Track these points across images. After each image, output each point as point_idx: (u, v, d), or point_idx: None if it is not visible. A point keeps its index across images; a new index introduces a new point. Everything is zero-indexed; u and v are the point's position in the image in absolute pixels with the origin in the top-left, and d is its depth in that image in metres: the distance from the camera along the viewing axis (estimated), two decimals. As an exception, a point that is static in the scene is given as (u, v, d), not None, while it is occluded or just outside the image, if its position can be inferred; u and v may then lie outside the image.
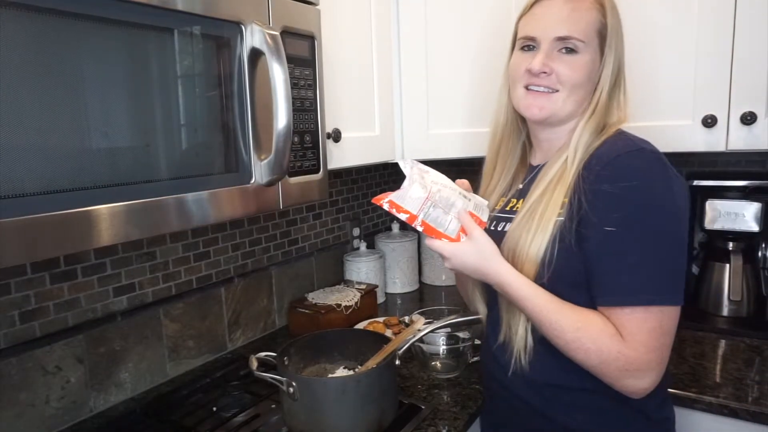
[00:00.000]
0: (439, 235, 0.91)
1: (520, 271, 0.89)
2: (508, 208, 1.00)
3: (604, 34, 0.91)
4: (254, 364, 1.02)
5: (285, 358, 1.07)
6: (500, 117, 1.05)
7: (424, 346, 1.26)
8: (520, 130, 1.04)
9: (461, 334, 1.32)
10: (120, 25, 0.73)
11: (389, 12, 1.41)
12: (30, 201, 0.64)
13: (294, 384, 0.95)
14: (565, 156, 0.91)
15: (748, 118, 1.25)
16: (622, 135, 0.90)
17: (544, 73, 0.91)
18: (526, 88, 0.94)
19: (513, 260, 0.90)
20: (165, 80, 0.79)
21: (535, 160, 1.03)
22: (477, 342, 1.31)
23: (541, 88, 0.92)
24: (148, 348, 1.26)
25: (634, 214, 0.81)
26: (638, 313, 0.81)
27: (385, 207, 0.89)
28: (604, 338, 0.82)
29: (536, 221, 0.89)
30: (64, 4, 0.67)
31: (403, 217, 0.89)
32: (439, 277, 1.97)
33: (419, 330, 1.14)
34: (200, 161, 0.86)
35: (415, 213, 0.89)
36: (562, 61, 0.91)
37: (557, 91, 0.91)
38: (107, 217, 0.73)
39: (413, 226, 0.90)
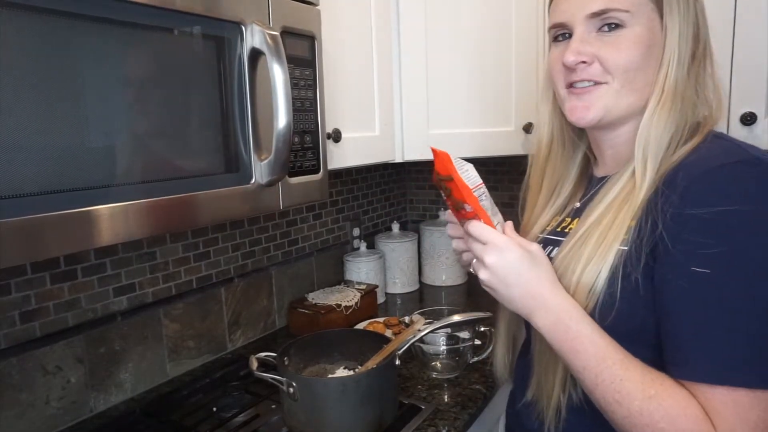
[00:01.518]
0: (487, 221, 0.73)
1: None
2: (559, 229, 0.81)
3: None
4: (254, 365, 1.02)
5: (285, 359, 1.07)
6: (544, 128, 0.85)
7: (424, 346, 1.26)
8: (577, 140, 0.84)
9: (461, 334, 1.32)
10: (120, 25, 0.73)
11: (389, 12, 1.41)
12: (30, 201, 0.64)
13: (294, 384, 0.95)
14: (633, 166, 0.70)
15: (748, 119, 1.25)
16: (720, 139, 0.67)
17: (583, 62, 0.71)
18: (569, 87, 0.74)
19: None
20: (165, 80, 0.79)
21: (600, 172, 0.81)
22: (477, 342, 1.31)
23: (585, 84, 0.72)
24: (148, 348, 1.26)
25: (741, 252, 0.58)
26: (741, 397, 0.57)
27: (438, 156, 0.74)
28: (687, 421, 0.58)
29: (591, 248, 0.68)
30: (64, 4, 0.67)
31: (447, 179, 0.73)
32: (439, 278, 1.97)
33: (419, 330, 1.14)
34: (200, 161, 0.86)
35: (469, 186, 0.73)
36: (605, 43, 0.70)
37: (606, 83, 0.71)
38: (107, 217, 0.73)
39: (458, 199, 0.73)
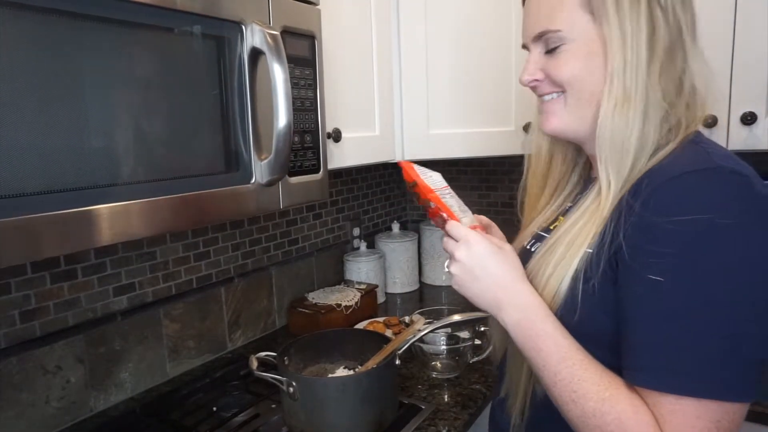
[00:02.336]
0: (451, 215, 0.78)
1: None
2: (550, 227, 0.82)
3: (595, 3, 0.67)
4: (254, 364, 1.02)
5: (285, 358, 1.07)
6: (542, 139, 0.85)
7: (424, 346, 1.26)
8: (577, 147, 0.83)
9: (461, 334, 1.32)
10: (120, 25, 0.73)
11: (389, 11, 1.41)
12: (30, 201, 0.64)
13: (294, 384, 0.95)
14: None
15: (748, 118, 1.25)
16: (695, 144, 0.66)
17: (537, 80, 0.74)
18: (540, 97, 0.77)
19: None
20: (165, 80, 0.79)
21: (594, 173, 0.80)
22: (477, 342, 1.31)
23: (547, 96, 0.75)
24: (148, 348, 1.26)
25: (694, 262, 0.57)
26: (687, 406, 0.57)
27: (402, 166, 0.80)
28: (637, 426, 0.59)
29: (561, 252, 0.69)
30: (64, 4, 0.67)
31: (413, 185, 0.79)
32: (439, 277, 1.97)
33: (419, 330, 1.14)
34: (200, 161, 0.86)
35: (431, 187, 0.78)
36: (549, 61, 0.72)
37: (565, 91, 0.72)
38: (107, 217, 0.73)
39: (423, 199, 0.78)
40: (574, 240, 0.68)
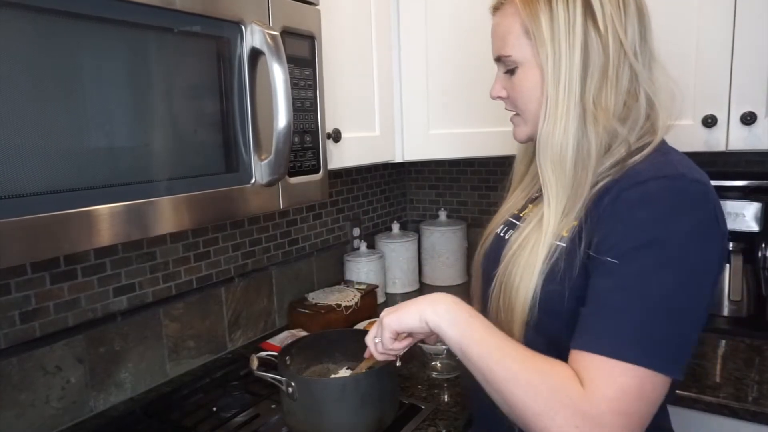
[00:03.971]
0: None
1: (510, 319, 0.76)
2: (517, 212, 0.90)
3: (531, 30, 0.75)
4: (255, 364, 1.02)
5: (287, 358, 1.07)
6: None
7: (424, 346, 1.26)
8: None
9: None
10: (120, 25, 0.73)
11: (389, 12, 1.41)
12: (30, 201, 0.64)
13: (293, 384, 0.95)
14: None
15: (748, 118, 1.25)
16: (660, 154, 0.74)
17: (501, 98, 0.85)
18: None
19: (504, 302, 0.78)
20: (165, 80, 0.79)
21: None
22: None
23: (512, 112, 0.85)
24: (148, 348, 1.26)
25: (650, 251, 0.64)
26: (614, 366, 0.62)
27: None
28: (558, 379, 0.64)
29: (526, 257, 0.76)
30: (64, 4, 0.67)
31: None
32: (439, 278, 1.97)
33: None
34: (200, 161, 0.86)
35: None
36: (508, 81, 0.82)
37: (520, 110, 0.83)
38: (107, 217, 0.73)
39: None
40: (537, 241, 0.75)
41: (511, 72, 0.81)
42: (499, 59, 0.82)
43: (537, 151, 0.78)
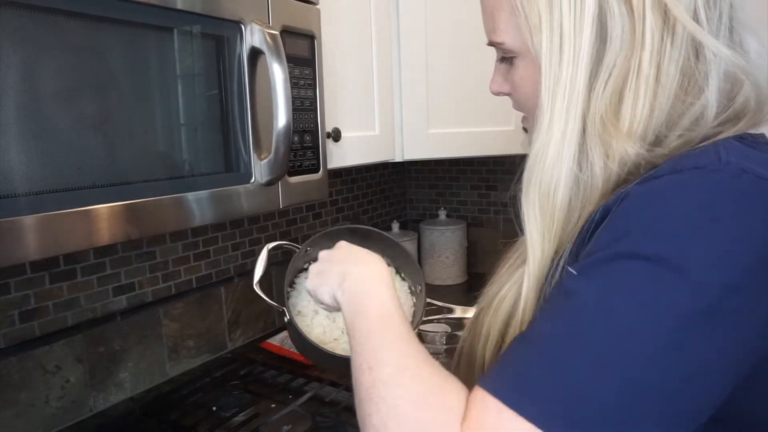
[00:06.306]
0: None
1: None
2: None
3: (521, 7, 0.55)
4: (263, 259, 0.96)
5: (308, 249, 0.95)
6: None
7: (424, 346, 1.26)
8: None
9: (461, 333, 1.32)
10: (120, 25, 0.73)
11: (389, 11, 1.41)
12: (29, 201, 0.64)
13: (288, 313, 0.91)
14: None
15: (748, 118, 1.24)
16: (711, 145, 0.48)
17: (503, 93, 0.65)
18: None
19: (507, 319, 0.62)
20: (165, 79, 0.79)
21: None
22: (477, 341, 1.31)
23: (521, 111, 0.65)
24: (147, 348, 1.26)
25: (618, 260, 0.43)
26: (505, 413, 0.42)
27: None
28: (444, 398, 0.48)
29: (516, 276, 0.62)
30: (64, 3, 0.66)
31: None
32: (439, 277, 1.96)
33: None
34: (200, 160, 0.86)
35: None
36: (509, 72, 0.61)
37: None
38: (107, 217, 0.72)
39: None
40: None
41: (509, 61, 0.60)
42: (493, 46, 0.62)
43: (524, 177, 0.56)
